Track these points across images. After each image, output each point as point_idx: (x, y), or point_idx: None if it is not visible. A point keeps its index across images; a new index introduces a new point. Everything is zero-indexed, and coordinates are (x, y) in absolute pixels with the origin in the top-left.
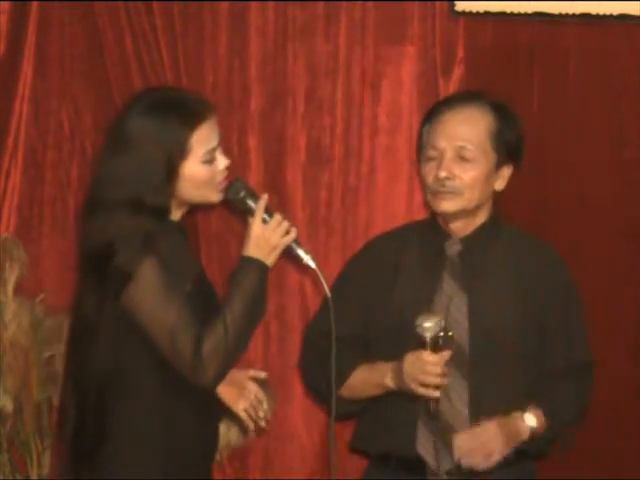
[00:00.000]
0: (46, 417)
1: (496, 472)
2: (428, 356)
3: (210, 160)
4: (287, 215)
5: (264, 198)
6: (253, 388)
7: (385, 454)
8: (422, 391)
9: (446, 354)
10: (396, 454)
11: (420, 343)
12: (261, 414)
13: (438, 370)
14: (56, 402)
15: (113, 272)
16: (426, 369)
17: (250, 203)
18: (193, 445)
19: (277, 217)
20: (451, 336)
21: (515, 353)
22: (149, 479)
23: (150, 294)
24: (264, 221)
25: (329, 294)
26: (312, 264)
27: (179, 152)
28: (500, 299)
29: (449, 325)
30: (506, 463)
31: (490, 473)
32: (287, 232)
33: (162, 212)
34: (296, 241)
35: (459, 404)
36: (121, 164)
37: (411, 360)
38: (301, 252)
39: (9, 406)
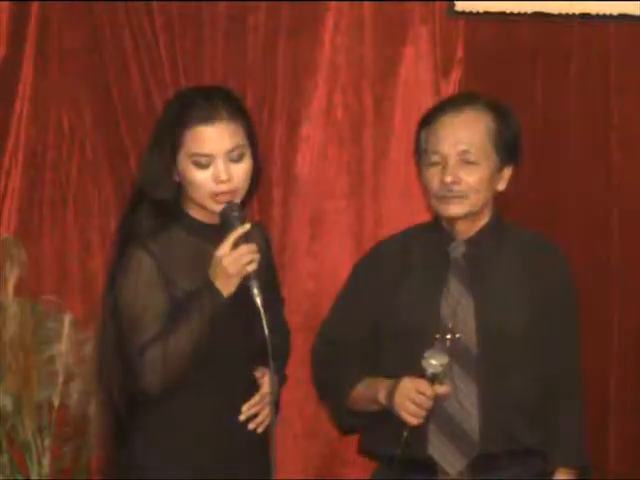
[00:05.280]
0: (46, 417)
1: (506, 471)
2: (424, 387)
3: (200, 164)
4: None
5: (245, 227)
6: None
7: (396, 456)
8: (404, 415)
9: (442, 389)
10: (407, 455)
11: (420, 374)
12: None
13: (427, 403)
14: (56, 402)
15: (109, 265)
16: (416, 398)
17: (236, 225)
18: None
19: (242, 248)
20: (458, 338)
21: (523, 353)
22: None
23: (126, 288)
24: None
25: (267, 335)
26: (258, 302)
27: (172, 140)
28: (506, 299)
29: (456, 327)
30: (515, 462)
31: (500, 472)
32: (249, 264)
33: (164, 204)
34: (255, 275)
35: (468, 405)
36: (142, 159)
37: (406, 384)
38: (253, 287)
39: (9, 406)
